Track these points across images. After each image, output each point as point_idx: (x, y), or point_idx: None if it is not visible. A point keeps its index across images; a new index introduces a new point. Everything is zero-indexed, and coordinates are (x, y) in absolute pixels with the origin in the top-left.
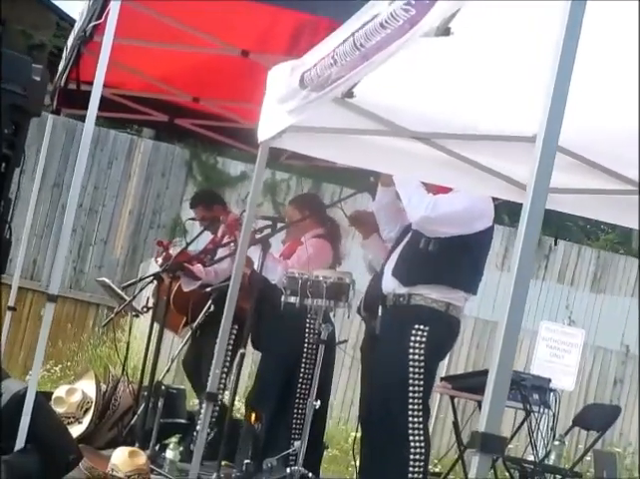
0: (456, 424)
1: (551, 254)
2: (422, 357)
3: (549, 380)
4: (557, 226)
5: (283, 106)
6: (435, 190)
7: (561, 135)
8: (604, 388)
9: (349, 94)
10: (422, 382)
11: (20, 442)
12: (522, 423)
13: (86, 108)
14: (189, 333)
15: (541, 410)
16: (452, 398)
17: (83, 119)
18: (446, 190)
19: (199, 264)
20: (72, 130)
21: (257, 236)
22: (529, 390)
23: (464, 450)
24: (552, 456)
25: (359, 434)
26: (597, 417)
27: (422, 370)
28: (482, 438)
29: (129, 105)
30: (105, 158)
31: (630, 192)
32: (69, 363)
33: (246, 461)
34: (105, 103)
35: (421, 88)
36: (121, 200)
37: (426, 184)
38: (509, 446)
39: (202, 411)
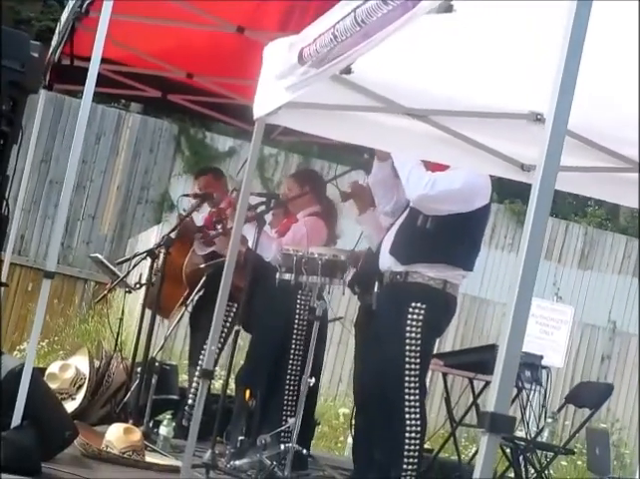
0: (448, 401)
1: None
2: (419, 335)
3: (541, 357)
4: None
5: (281, 82)
6: (431, 167)
7: None
8: (591, 365)
9: (347, 70)
10: (418, 360)
11: (17, 419)
12: (514, 400)
13: (79, 83)
14: (182, 311)
15: (533, 387)
16: (444, 375)
17: (72, 94)
18: (442, 167)
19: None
20: (60, 105)
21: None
22: (521, 367)
23: (455, 427)
24: (545, 433)
25: (348, 411)
26: (590, 395)
27: (418, 348)
28: (492, 418)
29: (121, 80)
30: (92, 133)
31: (627, 169)
32: (56, 338)
33: (240, 437)
34: (98, 78)
35: (418, 65)
36: (109, 175)
37: (423, 161)
38: None
39: (193, 387)
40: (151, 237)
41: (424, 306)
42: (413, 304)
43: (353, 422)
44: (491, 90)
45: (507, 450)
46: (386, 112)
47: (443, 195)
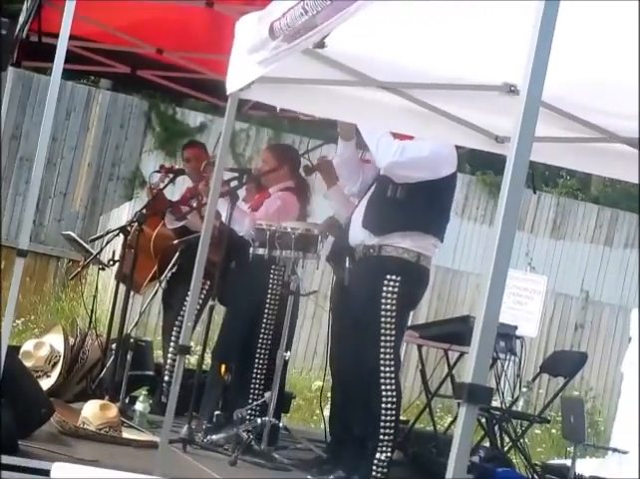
0: (423, 372)
1: None
2: (394, 307)
3: (515, 327)
4: None
5: (253, 56)
6: (398, 137)
7: None
8: (565, 334)
9: (320, 44)
10: (394, 332)
11: None
12: (489, 370)
13: (47, 60)
14: (156, 287)
15: (507, 357)
16: (419, 347)
17: (41, 71)
18: (410, 138)
19: (187, 206)
20: (29, 82)
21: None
22: (496, 337)
23: (431, 398)
24: (520, 402)
25: (321, 383)
26: (564, 363)
27: (394, 320)
28: (469, 389)
29: (90, 57)
30: (62, 109)
31: (600, 139)
32: (32, 317)
33: (216, 412)
34: (66, 55)
35: (391, 38)
36: (79, 152)
37: (392, 132)
38: None
39: (169, 363)
40: (122, 213)
41: (398, 279)
42: (387, 277)
43: (329, 395)
44: (465, 62)
45: (483, 420)
46: (359, 86)
47: (412, 161)
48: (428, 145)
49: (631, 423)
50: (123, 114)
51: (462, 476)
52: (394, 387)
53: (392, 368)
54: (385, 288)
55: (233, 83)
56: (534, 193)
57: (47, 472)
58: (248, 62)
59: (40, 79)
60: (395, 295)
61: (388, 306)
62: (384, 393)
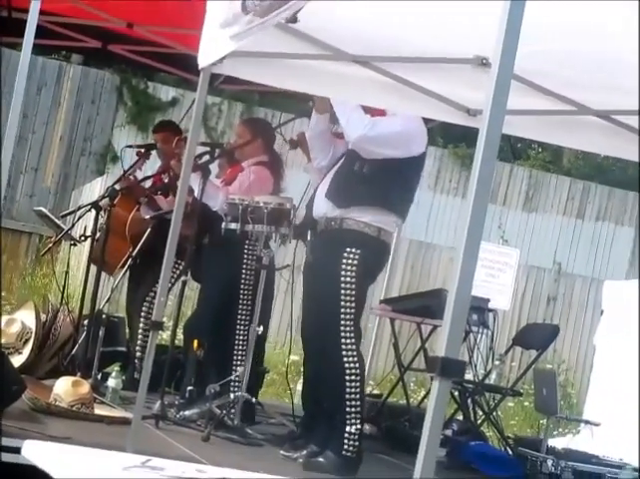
0: (396, 346)
1: None
2: (353, 280)
3: (488, 300)
4: None
5: (225, 31)
6: (371, 112)
7: None
8: (537, 307)
9: (293, 19)
10: (353, 304)
11: None
12: (462, 344)
13: (18, 35)
14: (129, 263)
15: (480, 330)
16: (391, 321)
17: (10, 46)
18: (381, 113)
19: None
20: None
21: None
22: (469, 311)
23: (404, 371)
24: (493, 375)
25: (295, 358)
26: (537, 336)
27: (353, 292)
28: (442, 362)
29: (61, 32)
30: (33, 85)
31: (572, 112)
32: (3, 293)
33: (189, 388)
34: (37, 30)
35: (363, 12)
36: (51, 127)
37: (363, 107)
38: None
39: (140, 339)
40: (94, 188)
41: (358, 252)
42: (347, 250)
43: (302, 369)
44: (436, 35)
45: (456, 393)
46: (332, 59)
47: (381, 137)
48: (399, 122)
49: (629, 397)
50: (94, 89)
51: (434, 449)
52: (356, 359)
53: (352, 340)
54: (344, 261)
55: (205, 57)
56: (514, 160)
57: (18, 450)
58: (221, 36)
59: (10, 54)
60: (354, 268)
61: (347, 279)
62: (346, 365)
